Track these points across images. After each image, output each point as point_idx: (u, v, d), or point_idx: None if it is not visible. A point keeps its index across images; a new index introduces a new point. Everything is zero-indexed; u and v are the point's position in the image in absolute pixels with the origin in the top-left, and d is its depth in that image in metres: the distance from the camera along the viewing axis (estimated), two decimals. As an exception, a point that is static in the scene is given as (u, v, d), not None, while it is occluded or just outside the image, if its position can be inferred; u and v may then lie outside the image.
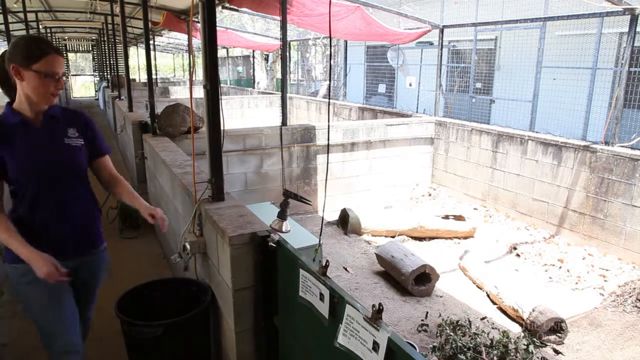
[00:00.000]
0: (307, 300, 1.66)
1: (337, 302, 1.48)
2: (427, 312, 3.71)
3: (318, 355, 1.73)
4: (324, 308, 1.55)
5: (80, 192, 2.03)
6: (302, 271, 1.68)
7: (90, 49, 26.15)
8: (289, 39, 12.52)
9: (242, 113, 11.35)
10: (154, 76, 10.20)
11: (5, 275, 1.96)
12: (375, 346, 1.25)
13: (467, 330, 3.20)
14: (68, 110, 2.06)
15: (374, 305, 1.27)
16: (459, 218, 5.53)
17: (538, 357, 3.09)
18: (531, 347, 2.93)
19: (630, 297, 4.06)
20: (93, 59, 27.32)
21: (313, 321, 1.64)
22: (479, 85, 8.22)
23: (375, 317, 1.27)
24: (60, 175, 1.94)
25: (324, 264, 1.58)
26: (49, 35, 17.29)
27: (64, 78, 1.95)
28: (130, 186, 2.21)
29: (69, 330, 1.96)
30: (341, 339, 1.38)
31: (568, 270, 4.59)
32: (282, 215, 2.28)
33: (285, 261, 1.92)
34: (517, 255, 4.99)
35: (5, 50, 1.89)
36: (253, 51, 16.12)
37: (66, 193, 1.97)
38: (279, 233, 2.10)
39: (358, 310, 1.33)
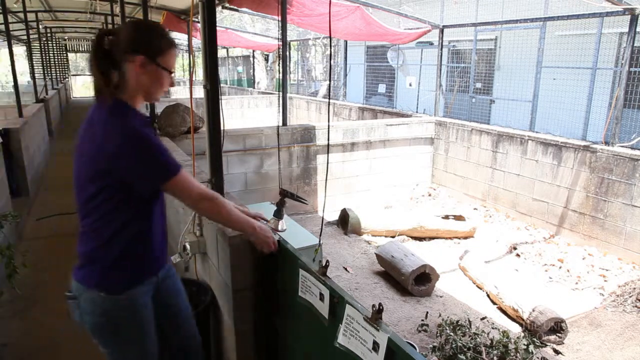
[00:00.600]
0: (307, 300, 1.66)
1: (337, 302, 1.48)
2: (427, 312, 3.71)
3: (318, 356, 1.73)
4: (324, 308, 1.55)
5: None
6: (301, 271, 1.68)
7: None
8: (289, 39, 12.52)
9: (242, 113, 11.36)
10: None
11: (77, 306, 1.62)
12: (375, 346, 1.25)
13: (467, 330, 3.19)
14: None
15: (374, 305, 1.27)
16: (459, 218, 5.53)
17: (538, 357, 3.09)
18: (531, 347, 2.93)
19: (630, 297, 4.06)
20: (93, 59, 27.31)
21: (313, 321, 1.64)
22: (479, 85, 8.22)
23: (375, 317, 1.27)
24: None
25: (324, 264, 1.58)
26: (49, 35, 17.30)
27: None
28: None
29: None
30: (341, 339, 1.38)
31: (568, 270, 4.58)
32: (278, 214, 2.28)
33: (285, 261, 1.92)
34: (517, 255, 4.99)
35: (105, 36, 1.55)
36: (253, 51, 16.12)
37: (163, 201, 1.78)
38: (277, 232, 2.11)
39: (358, 310, 1.33)
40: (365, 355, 1.29)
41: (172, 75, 1.64)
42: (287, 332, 2.01)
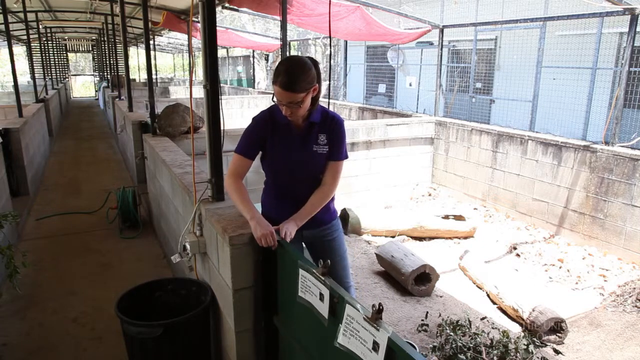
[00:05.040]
0: (307, 300, 1.66)
1: (337, 302, 1.48)
2: (427, 312, 3.71)
3: (318, 355, 1.73)
4: (323, 308, 1.55)
5: None
6: (301, 271, 1.68)
7: (90, 49, 26.16)
8: (289, 39, 12.50)
9: (242, 113, 11.35)
10: (154, 76, 10.19)
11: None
12: (375, 346, 1.25)
13: (467, 330, 3.19)
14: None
15: (373, 305, 1.26)
16: (459, 218, 5.52)
17: (538, 357, 3.09)
18: (531, 347, 2.93)
19: (630, 297, 4.06)
20: (93, 59, 27.33)
21: (313, 321, 1.64)
22: (479, 85, 8.22)
23: (375, 317, 1.26)
24: None
25: (324, 264, 1.58)
26: (49, 35, 17.30)
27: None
28: (321, 197, 2.42)
29: None
30: (341, 339, 1.38)
31: (568, 270, 4.58)
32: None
33: (285, 261, 1.92)
34: (517, 255, 4.99)
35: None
36: (253, 51, 16.12)
37: None
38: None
39: (358, 310, 1.33)
40: (365, 355, 1.29)
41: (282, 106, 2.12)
42: (287, 332, 2.01)
